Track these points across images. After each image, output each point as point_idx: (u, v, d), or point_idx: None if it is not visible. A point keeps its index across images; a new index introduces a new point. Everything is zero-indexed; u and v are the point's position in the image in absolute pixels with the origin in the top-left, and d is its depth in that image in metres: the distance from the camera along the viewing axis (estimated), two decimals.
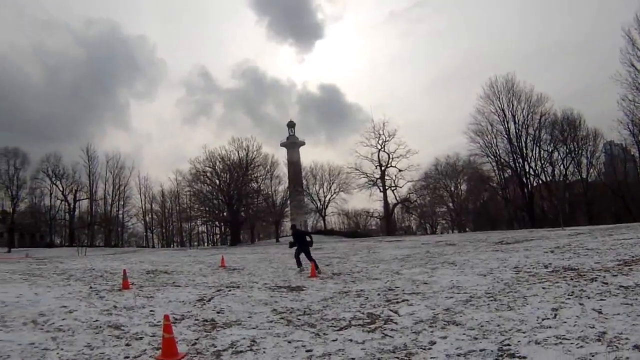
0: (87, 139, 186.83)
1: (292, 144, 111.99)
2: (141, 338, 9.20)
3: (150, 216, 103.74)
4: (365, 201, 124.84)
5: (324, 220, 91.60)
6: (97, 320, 10.63)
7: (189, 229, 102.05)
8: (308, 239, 22.20)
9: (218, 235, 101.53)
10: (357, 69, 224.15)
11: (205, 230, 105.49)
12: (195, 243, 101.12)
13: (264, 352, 8.25)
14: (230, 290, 15.32)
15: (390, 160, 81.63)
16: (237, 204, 76.44)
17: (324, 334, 9.43)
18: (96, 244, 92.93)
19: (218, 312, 11.81)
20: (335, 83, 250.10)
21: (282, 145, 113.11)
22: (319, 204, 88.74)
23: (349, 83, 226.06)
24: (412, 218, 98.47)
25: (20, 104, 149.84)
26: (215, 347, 8.67)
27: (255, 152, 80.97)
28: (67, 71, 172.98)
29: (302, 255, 21.60)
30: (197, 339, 9.20)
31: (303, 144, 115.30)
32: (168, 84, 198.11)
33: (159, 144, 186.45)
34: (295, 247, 22.30)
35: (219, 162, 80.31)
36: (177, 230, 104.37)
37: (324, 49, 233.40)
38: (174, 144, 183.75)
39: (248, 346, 8.63)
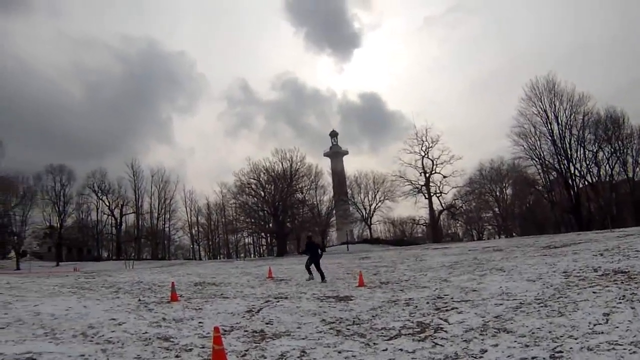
0: (131, 154, 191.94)
1: (336, 154, 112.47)
2: (190, 350, 9.24)
3: (196, 229, 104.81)
4: (411, 209, 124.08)
5: (370, 229, 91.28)
6: (146, 332, 10.73)
7: (235, 240, 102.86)
8: (320, 251, 23.86)
9: (264, 247, 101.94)
10: (396, 76, 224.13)
11: (252, 242, 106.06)
12: (242, 255, 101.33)
13: None
14: (278, 301, 15.35)
15: (435, 167, 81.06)
16: (282, 215, 76.62)
17: (374, 343, 9.37)
18: (143, 257, 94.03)
19: (267, 323, 11.83)
20: (375, 91, 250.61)
21: (326, 155, 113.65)
22: (364, 213, 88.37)
23: (389, 91, 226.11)
24: (458, 224, 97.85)
25: (63, 122, 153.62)
26: (265, 358, 8.66)
27: (299, 163, 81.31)
28: (108, 88, 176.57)
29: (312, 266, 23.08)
30: (246, 350, 9.21)
31: (346, 153, 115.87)
32: (209, 98, 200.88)
33: (202, 157, 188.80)
34: (308, 257, 23.79)
35: (264, 173, 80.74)
36: (223, 242, 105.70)
37: (363, 57, 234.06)
38: (216, 157, 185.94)
39: (298, 357, 8.63)
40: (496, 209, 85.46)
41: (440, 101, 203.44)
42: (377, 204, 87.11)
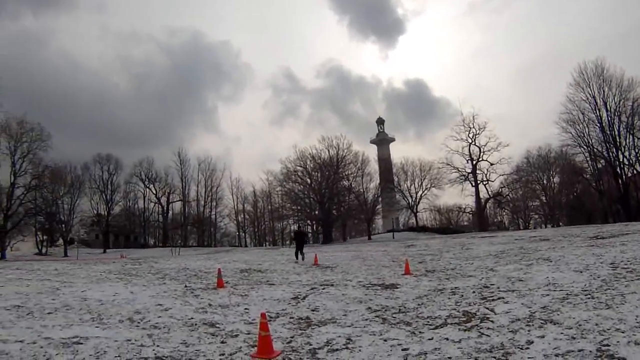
0: (177, 143, 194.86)
1: (382, 141, 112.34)
2: (236, 335, 9.34)
3: (242, 216, 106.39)
4: (457, 196, 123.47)
5: (416, 217, 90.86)
6: (192, 318, 10.90)
7: (281, 228, 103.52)
8: (306, 239, 31.02)
9: (310, 234, 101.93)
10: (441, 62, 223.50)
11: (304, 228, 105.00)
12: (288, 242, 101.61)
13: (360, 350, 8.23)
14: (324, 288, 15.43)
15: (482, 154, 79.22)
16: (328, 203, 76.48)
17: (420, 332, 9.33)
18: (189, 244, 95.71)
19: (313, 310, 11.93)
20: (421, 78, 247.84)
21: (372, 142, 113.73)
22: (410, 201, 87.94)
23: (434, 77, 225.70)
24: (504, 213, 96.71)
25: (111, 114, 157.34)
26: (311, 345, 8.72)
27: (345, 150, 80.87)
28: (154, 80, 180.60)
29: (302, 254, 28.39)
30: (292, 337, 9.30)
31: (393, 140, 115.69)
32: (254, 87, 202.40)
33: (248, 145, 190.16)
34: (296, 245, 29.52)
35: (310, 161, 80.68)
36: (269, 230, 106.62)
37: (407, 44, 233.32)
38: (262, 145, 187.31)
39: (344, 344, 8.65)
40: (543, 198, 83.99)
41: (486, 87, 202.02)
42: (423, 192, 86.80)
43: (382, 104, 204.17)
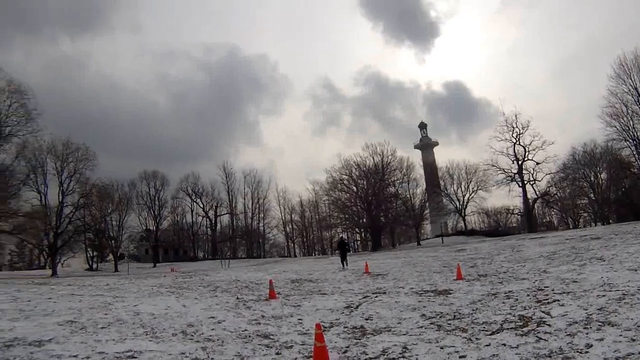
0: (221, 157, 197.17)
1: (426, 145, 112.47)
2: (291, 347, 9.27)
3: (290, 226, 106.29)
4: (504, 198, 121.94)
5: (464, 221, 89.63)
6: (245, 330, 10.88)
7: (329, 236, 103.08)
8: (347, 248, 35.66)
9: (359, 242, 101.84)
10: (478, 62, 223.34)
11: (346, 238, 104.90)
12: (337, 250, 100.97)
13: (416, 359, 8.11)
14: (376, 296, 15.34)
15: (527, 154, 76.71)
16: (376, 210, 75.78)
17: (477, 338, 9.19)
18: (238, 256, 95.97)
19: (367, 319, 11.81)
20: (459, 79, 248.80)
21: (416, 147, 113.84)
22: (457, 204, 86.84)
23: (473, 78, 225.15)
24: (552, 212, 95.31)
25: (153, 131, 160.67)
26: (367, 354, 8.61)
27: (390, 157, 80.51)
28: (194, 96, 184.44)
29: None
30: (347, 347, 9.20)
31: (436, 144, 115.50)
32: (294, 98, 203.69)
33: (292, 156, 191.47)
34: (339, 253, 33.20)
35: (355, 169, 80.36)
36: (317, 239, 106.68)
37: (443, 46, 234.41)
38: (306, 156, 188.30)
39: (400, 353, 8.53)
40: (591, 195, 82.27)
41: (524, 85, 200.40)
42: (470, 195, 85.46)
43: (422, 108, 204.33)
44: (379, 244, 77.82)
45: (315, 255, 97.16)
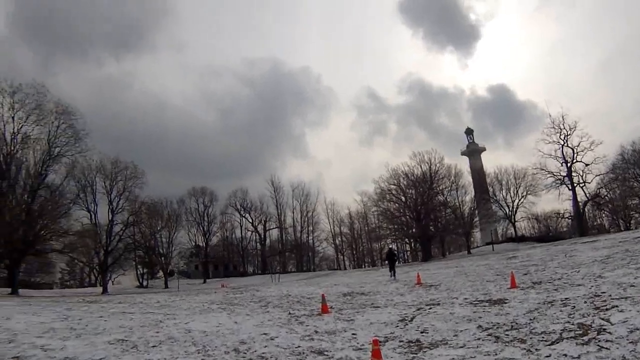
0: (269, 171, 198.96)
1: (473, 152, 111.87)
2: None
3: (339, 239, 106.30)
4: (553, 202, 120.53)
5: (514, 227, 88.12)
6: (299, 347, 10.70)
7: (379, 248, 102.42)
8: (395, 259, 36.09)
9: (408, 252, 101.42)
10: (521, 64, 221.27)
11: (396, 248, 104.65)
12: (386, 261, 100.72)
13: None
14: (430, 308, 15.07)
15: (575, 155, 74.68)
16: (425, 219, 74.90)
17: (536, 349, 8.90)
18: (288, 270, 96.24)
19: (422, 332, 11.58)
20: (503, 82, 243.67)
21: (463, 153, 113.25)
22: (507, 210, 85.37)
23: (517, 80, 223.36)
24: (603, 215, 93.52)
25: (200, 148, 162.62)
26: None
27: (437, 165, 79.21)
28: (239, 111, 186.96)
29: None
30: None
31: (483, 149, 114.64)
32: (339, 109, 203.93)
33: (339, 168, 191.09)
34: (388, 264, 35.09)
35: (403, 178, 79.50)
36: (367, 251, 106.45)
37: (485, 49, 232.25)
38: (353, 166, 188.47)
39: None
40: None
41: (569, 84, 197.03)
42: (520, 200, 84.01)
43: (467, 113, 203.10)
44: (430, 254, 77.03)
45: (365, 267, 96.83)
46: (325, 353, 10.01)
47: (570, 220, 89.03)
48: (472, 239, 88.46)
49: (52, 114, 47.41)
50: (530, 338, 9.83)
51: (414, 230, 78.30)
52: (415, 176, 77.68)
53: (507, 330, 10.90)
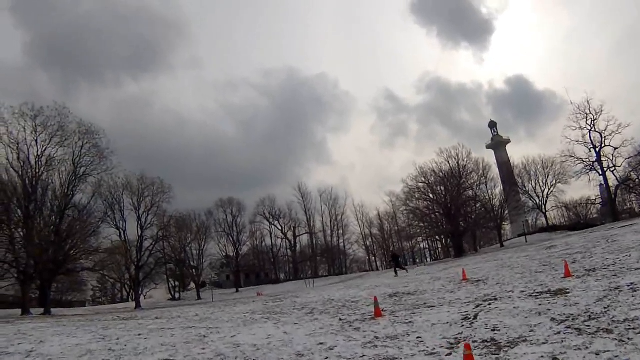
0: (294, 179, 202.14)
1: (498, 144, 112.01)
2: None
3: (370, 240, 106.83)
4: (582, 189, 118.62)
5: (546, 217, 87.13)
6: (364, 356, 9.97)
7: (410, 246, 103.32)
8: (401, 260, 44.24)
9: (439, 249, 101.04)
10: (536, 54, 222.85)
11: (427, 246, 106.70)
12: (418, 260, 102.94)
13: None
14: (490, 304, 14.35)
15: (603, 139, 73.45)
16: (456, 215, 74.17)
17: (628, 339, 8.21)
18: (320, 275, 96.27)
19: (493, 330, 10.80)
20: (520, 74, 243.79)
21: (488, 147, 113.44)
22: (537, 201, 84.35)
23: (534, 70, 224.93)
24: (633, 198, 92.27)
25: (224, 160, 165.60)
26: None
27: (465, 159, 78.15)
28: (260, 122, 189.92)
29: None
30: None
31: (508, 141, 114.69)
32: (358, 113, 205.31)
33: (363, 171, 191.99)
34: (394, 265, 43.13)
35: (431, 175, 78.41)
36: (398, 251, 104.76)
37: (499, 42, 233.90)
38: (377, 168, 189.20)
39: None
40: None
41: (586, 70, 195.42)
42: (549, 189, 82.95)
43: (487, 107, 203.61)
44: (462, 250, 76.19)
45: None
46: None
47: (600, 206, 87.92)
48: (503, 232, 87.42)
49: (75, 135, 47.39)
50: (616, 327, 9.10)
51: (444, 226, 77.48)
52: (443, 172, 76.72)
53: (585, 321, 10.14)
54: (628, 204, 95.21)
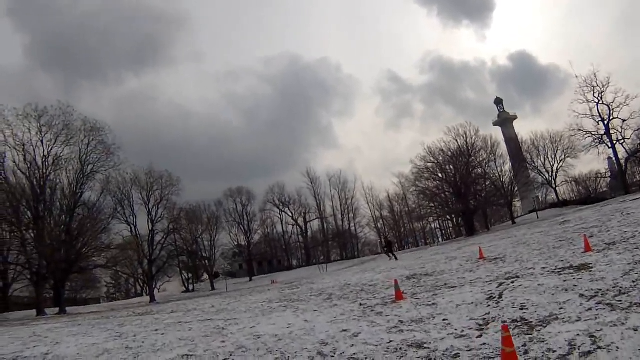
0: (301, 165, 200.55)
1: (505, 121, 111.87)
2: (457, 356, 8.03)
3: (381, 222, 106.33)
4: (590, 163, 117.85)
5: (556, 192, 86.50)
6: (391, 341, 9.71)
7: (421, 227, 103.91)
8: (392, 245, 49.30)
9: (450, 228, 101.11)
10: (539, 28, 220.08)
11: (438, 226, 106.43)
12: (429, 240, 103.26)
13: (617, 348, 6.92)
14: (512, 282, 14.08)
15: (612, 112, 72.54)
16: (466, 193, 74.02)
17: None
18: (332, 259, 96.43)
19: (521, 309, 10.53)
20: (523, 49, 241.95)
21: (495, 124, 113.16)
22: (547, 176, 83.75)
23: (537, 45, 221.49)
24: None
25: (231, 149, 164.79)
26: (554, 351, 7.41)
27: (474, 137, 77.57)
28: (264, 110, 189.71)
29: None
30: (523, 346, 7.90)
31: (515, 118, 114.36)
32: (362, 96, 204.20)
33: (370, 153, 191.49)
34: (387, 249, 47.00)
35: (440, 154, 78.03)
36: (409, 232, 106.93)
37: (501, 18, 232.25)
38: (383, 150, 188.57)
39: (592, 344, 7.30)
40: None
41: (589, 43, 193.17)
42: (559, 164, 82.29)
43: (491, 85, 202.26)
44: (473, 228, 75.91)
45: (408, 248, 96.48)
46: (425, 346, 8.98)
47: (609, 179, 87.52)
48: (514, 208, 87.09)
49: (81, 133, 47.31)
50: None
51: (455, 205, 77.20)
52: (452, 151, 76.21)
53: (615, 296, 9.87)
54: (638, 177, 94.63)
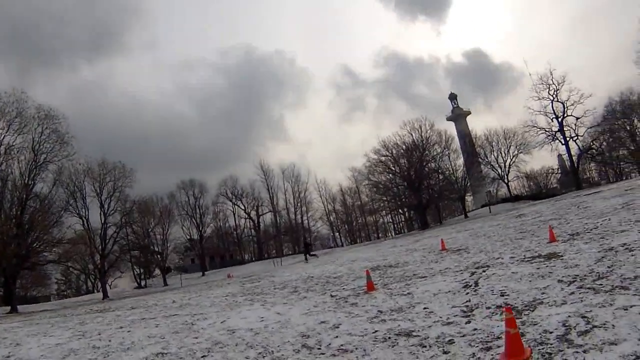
0: (254, 157, 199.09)
1: (459, 116, 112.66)
2: (452, 342, 8.08)
3: (334, 216, 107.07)
4: (542, 160, 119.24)
5: (508, 187, 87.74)
6: (376, 331, 9.67)
7: (373, 221, 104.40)
8: (310, 248, 50.13)
9: (402, 222, 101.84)
10: (495, 26, 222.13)
11: (391, 220, 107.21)
12: (381, 234, 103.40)
13: (613, 326, 7.06)
14: (484, 271, 14.17)
15: (566, 109, 74.30)
16: (419, 187, 74.52)
17: None
18: (285, 253, 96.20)
19: (502, 295, 10.64)
20: (477, 47, 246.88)
21: (449, 119, 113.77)
22: (500, 171, 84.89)
23: (491, 43, 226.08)
24: (592, 168, 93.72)
25: (183, 141, 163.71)
26: (551, 332, 7.50)
27: (429, 131, 78.02)
28: (217, 101, 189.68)
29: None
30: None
31: (469, 113, 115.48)
32: (316, 89, 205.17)
33: (322, 147, 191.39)
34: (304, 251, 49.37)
35: (394, 148, 78.26)
36: (361, 226, 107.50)
37: (457, 15, 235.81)
38: (336, 144, 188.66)
39: (585, 324, 7.44)
40: (630, 146, 79.38)
41: (545, 43, 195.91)
42: (511, 160, 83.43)
43: (445, 81, 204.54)
44: (426, 222, 76.50)
45: (359, 242, 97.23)
46: (414, 334, 8.96)
47: (560, 175, 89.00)
48: (466, 203, 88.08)
49: (34, 120, 46.07)
50: (630, 284, 9.04)
51: (408, 199, 77.73)
52: (406, 145, 76.69)
53: (595, 280, 10.07)
54: (587, 173, 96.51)
